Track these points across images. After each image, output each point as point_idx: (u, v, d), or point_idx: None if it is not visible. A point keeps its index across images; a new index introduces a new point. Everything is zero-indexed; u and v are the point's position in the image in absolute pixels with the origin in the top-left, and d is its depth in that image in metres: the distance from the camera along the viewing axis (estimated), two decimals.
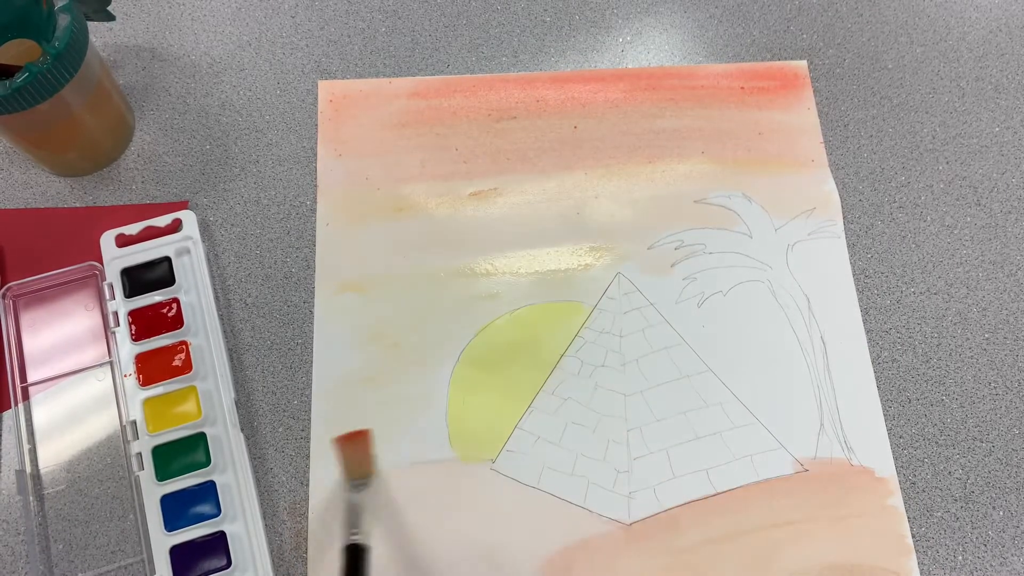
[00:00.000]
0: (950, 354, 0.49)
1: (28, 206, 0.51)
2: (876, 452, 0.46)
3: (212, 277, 0.49)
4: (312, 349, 0.48)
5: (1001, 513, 0.46)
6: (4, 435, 0.46)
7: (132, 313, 0.47)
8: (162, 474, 0.44)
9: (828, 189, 0.52)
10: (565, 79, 0.55)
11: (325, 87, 0.54)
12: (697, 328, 0.49)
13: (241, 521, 0.44)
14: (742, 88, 0.55)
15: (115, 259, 0.48)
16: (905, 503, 0.45)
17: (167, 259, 0.48)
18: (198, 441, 0.44)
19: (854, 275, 0.50)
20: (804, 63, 0.56)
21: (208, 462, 0.44)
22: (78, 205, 0.51)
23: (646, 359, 0.48)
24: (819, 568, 0.44)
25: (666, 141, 0.53)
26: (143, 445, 0.44)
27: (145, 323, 0.47)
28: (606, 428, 0.46)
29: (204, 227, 0.51)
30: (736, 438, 0.46)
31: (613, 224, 0.51)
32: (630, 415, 0.47)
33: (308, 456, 0.46)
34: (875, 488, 0.46)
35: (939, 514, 0.45)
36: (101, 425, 0.46)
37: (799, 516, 0.45)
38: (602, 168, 0.52)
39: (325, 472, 0.45)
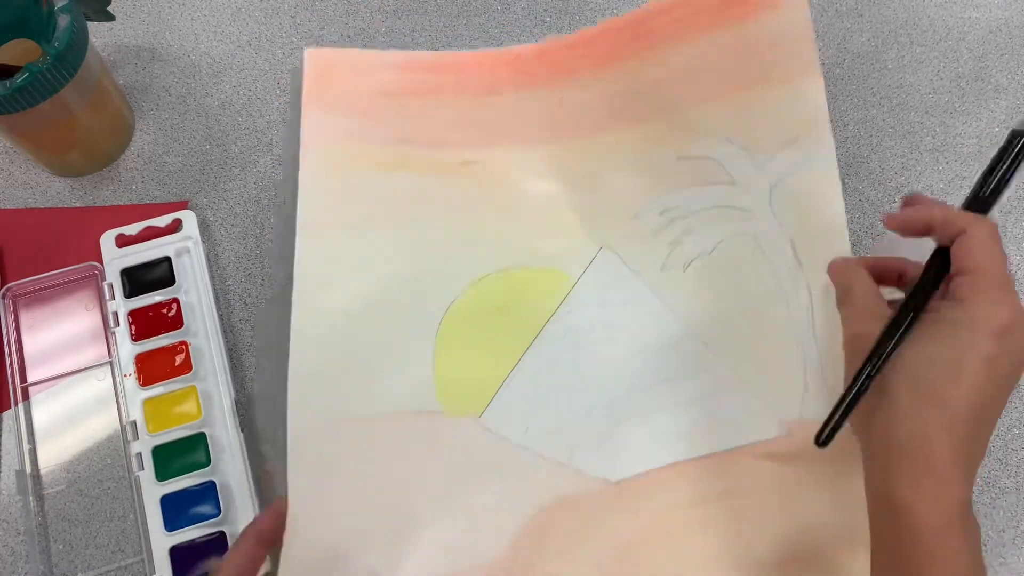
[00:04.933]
0: None
1: (28, 206, 0.51)
2: None
3: (212, 277, 0.49)
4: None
5: (1001, 513, 0.46)
6: (4, 435, 0.46)
7: (132, 313, 0.47)
8: (162, 474, 0.44)
9: (817, 103, 0.47)
10: (550, 50, 0.53)
11: (313, 56, 0.52)
12: (682, 295, 0.48)
13: (241, 521, 0.44)
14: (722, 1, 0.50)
15: (115, 259, 0.48)
16: None
17: (167, 259, 0.48)
18: (198, 441, 0.45)
19: None
20: None
21: (208, 462, 0.44)
22: (78, 205, 0.51)
23: (631, 327, 0.48)
24: (805, 528, 0.43)
25: (649, 96, 0.51)
26: (143, 445, 0.44)
27: (145, 323, 0.47)
28: (591, 392, 0.46)
29: (204, 227, 0.51)
30: (720, 402, 0.46)
31: (597, 195, 0.50)
32: (615, 380, 0.46)
33: None
34: (860, 448, 0.45)
35: None
36: (101, 425, 0.46)
37: (784, 477, 0.44)
38: (587, 140, 0.51)
39: (304, 419, 0.44)
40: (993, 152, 0.36)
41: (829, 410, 0.42)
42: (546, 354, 0.47)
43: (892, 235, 0.41)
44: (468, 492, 0.43)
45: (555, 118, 0.52)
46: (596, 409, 0.46)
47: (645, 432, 0.45)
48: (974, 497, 0.46)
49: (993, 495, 0.46)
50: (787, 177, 0.48)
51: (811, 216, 0.47)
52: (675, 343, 0.47)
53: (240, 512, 0.44)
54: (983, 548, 0.45)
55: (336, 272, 0.47)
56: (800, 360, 0.46)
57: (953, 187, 0.53)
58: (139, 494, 0.44)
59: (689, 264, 0.48)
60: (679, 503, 0.44)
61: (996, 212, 0.37)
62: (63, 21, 0.44)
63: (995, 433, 0.47)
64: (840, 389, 0.40)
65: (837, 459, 0.44)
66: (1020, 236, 0.52)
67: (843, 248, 0.46)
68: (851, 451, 0.41)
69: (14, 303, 0.48)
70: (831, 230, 0.46)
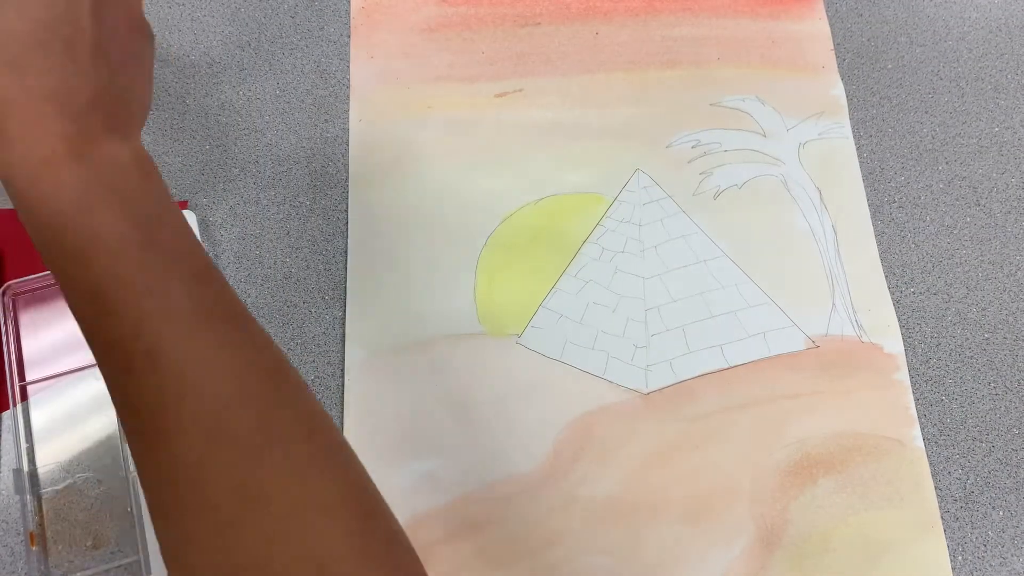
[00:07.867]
0: (950, 354, 0.49)
1: None
2: (885, 331, 0.49)
3: None
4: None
5: (1001, 513, 0.46)
6: (3, 434, 0.46)
7: None
8: None
9: (836, 93, 0.55)
10: None
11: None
12: (713, 218, 0.51)
13: None
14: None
15: None
16: None
17: None
18: None
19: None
20: None
21: None
22: None
23: (664, 246, 0.50)
24: (826, 436, 0.46)
25: (683, 48, 0.56)
26: None
27: None
28: (625, 308, 0.49)
29: (204, 227, 0.51)
30: (750, 317, 0.49)
31: (632, 125, 0.53)
32: (648, 296, 0.49)
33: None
34: (883, 363, 0.48)
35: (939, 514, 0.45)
36: (99, 424, 0.46)
37: (809, 388, 0.47)
38: (622, 72, 0.55)
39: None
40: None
41: (854, 328, 0.48)
42: (582, 274, 0.50)
43: None
44: (510, 406, 0.47)
45: (591, 50, 0.56)
46: (630, 324, 0.48)
47: (677, 345, 0.48)
48: (973, 496, 0.46)
49: (993, 495, 0.46)
50: (813, 140, 0.54)
51: (835, 174, 0.53)
52: (706, 260, 0.50)
53: None
54: (983, 547, 0.45)
55: (383, 218, 0.51)
56: (828, 283, 0.50)
57: (953, 187, 0.53)
58: (136, 493, 0.44)
59: (720, 193, 0.52)
60: (708, 411, 0.47)
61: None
62: None
63: (995, 432, 0.47)
64: (866, 313, 0.48)
65: (860, 371, 0.48)
66: (1020, 236, 0.52)
67: (862, 204, 0.52)
68: (873, 363, 0.47)
69: (13, 302, 0.48)
70: (853, 190, 0.52)
